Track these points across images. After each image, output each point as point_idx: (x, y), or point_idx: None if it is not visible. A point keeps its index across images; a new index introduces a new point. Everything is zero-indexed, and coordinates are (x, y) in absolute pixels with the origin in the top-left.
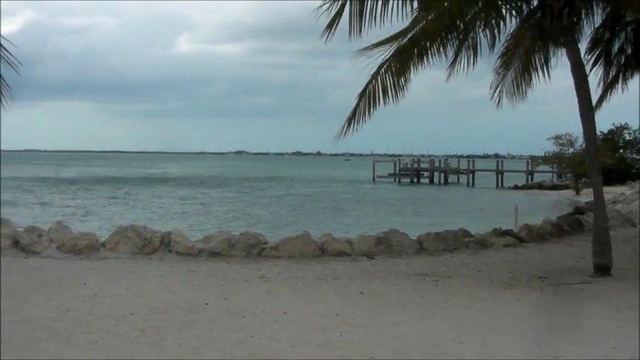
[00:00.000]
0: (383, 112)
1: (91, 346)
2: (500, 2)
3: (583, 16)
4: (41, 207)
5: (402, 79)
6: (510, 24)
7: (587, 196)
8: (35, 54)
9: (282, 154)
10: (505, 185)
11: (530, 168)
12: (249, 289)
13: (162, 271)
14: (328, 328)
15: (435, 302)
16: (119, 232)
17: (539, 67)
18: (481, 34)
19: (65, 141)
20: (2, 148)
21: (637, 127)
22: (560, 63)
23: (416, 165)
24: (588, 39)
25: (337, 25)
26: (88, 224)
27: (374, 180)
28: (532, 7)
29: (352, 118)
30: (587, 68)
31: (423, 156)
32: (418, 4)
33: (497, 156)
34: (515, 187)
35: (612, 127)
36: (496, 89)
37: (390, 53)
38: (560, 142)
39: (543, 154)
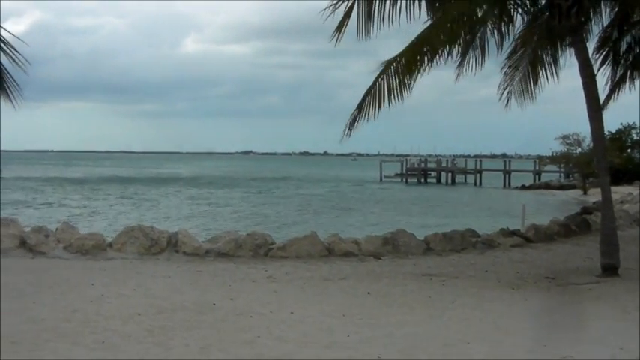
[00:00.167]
0: (390, 112)
1: (98, 346)
2: (508, 2)
3: (591, 15)
4: (48, 207)
5: (408, 79)
6: (518, 24)
7: (594, 196)
8: (42, 54)
9: (289, 154)
10: (512, 185)
11: (537, 168)
12: (256, 290)
13: (169, 272)
14: (335, 328)
15: (442, 302)
16: (126, 233)
17: (547, 68)
18: (489, 34)
19: (72, 141)
20: (9, 148)
21: None
22: (568, 63)
23: (423, 165)
24: (596, 38)
25: (346, 26)
26: (94, 224)
27: (381, 180)
28: (540, 6)
29: (358, 115)
30: (595, 68)
31: (430, 156)
32: (426, 4)
33: (504, 156)
34: (523, 187)
35: (620, 127)
36: (504, 90)
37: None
38: (568, 142)
39: (551, 154)
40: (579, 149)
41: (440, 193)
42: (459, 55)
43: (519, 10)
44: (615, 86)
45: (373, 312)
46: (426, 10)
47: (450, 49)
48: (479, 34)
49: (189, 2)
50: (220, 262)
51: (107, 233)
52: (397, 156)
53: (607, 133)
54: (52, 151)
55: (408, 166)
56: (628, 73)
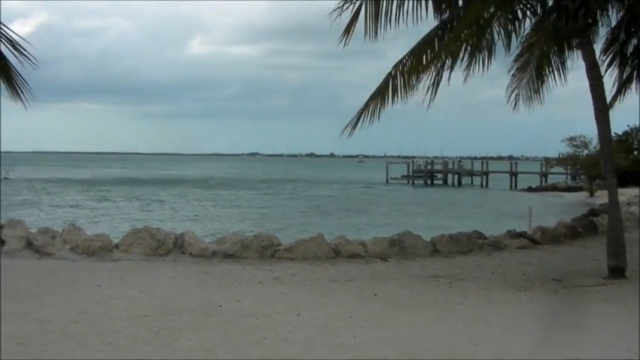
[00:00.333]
0: (396, 113)
1: (104, 348)
2: (515, 3)
3: (598, 17)
4: (54, 208)
5: (414, 79)
6: (525, 26)
7: (601, 197)
8: (49, 55)
9: (295, 155)
10: (519, 187)
11: (544, 170)
12: (262, 291)
13: (175, 273)
14: (342, 330)
15: (449, 304)
16: (132, 234)
17: (554, 69)
18: (496, 35)
19: (79, 142)
20: (16, 149)
21: None
22: (575, 65)
23: (429, 167)
24: (603, 40)
25: (354, 28)
26: (101, 225)
27: (387, 182)
28: (547, 8)
29: (364, 111)
30: (602, 69)
31: (436, 157)
32: (433, 6)
33: (511, 157)
34: (529, 189)
35: (627, 129)
36: (512, 92)
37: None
38: (575, 143)
39: (558, 156)
40: (586, 151)
41: (446, 195)
42: (467, 56)
43: (527, 11)
44: (622, 87)
45: (380, 314)
46: (432, 11)
47: (464, 54)
48: (486, 36)
49: (197, 3)
50: (227, 263)
51: (113, 235)
52: (403, 157)
53: (614, 135)
54: (58, 152)
55: (415, 167)
56: (635, 74)
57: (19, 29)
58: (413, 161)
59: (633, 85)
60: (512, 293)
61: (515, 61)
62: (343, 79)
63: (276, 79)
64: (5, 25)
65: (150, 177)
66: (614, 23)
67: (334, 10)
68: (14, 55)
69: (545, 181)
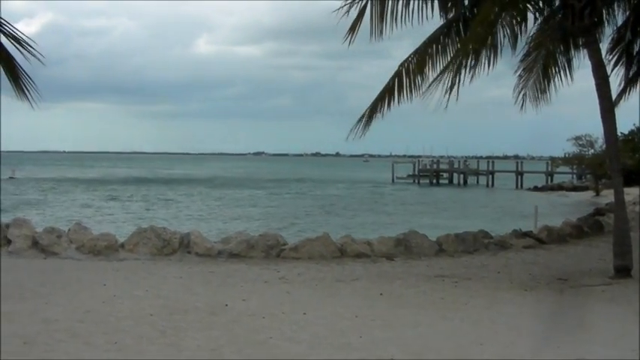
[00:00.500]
0: (402, 112)
1: (110, 347)
2: (521, 2)
3: (604, 16)
4: (60, 207)
5: (420, 79)
6: (531, 25)
7: (607, 197)
8: (55, 55)
9: (301, 155)
10: (525, 186)
11: (550, 169)
12: (268, 291)
13: (181, 272)
14: (348, 329)
15: (455, 304)
16: (138, 233)
17: (560, 69)
18: (502, 34)
19: (85, 142)
20: (22, 148)
21: None
22: (581, 64)
23: (435, 166)
24: (609, 39)
25: (359, 28)
26: (107, 225)
27: (393, 181)
28: (553, 7)
29: (374, 112)
30: (609, 69)
31: (442, 157)
32: (439, 5)
33: (516, 157)
34: (535, 189)
35: (633, 128)
36: (519, 93)
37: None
38: (580, 143)
39: (563, 155)
40: (592, 150)
41: (452, 194)
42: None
43: (533, 10)
44: (627, 86)
45: (386, 313)
46: (438, 10)
47: (478, 53)
48: (492, 35)
49: (201, 2)
50: (232, 263)
51: (119, 234)
52: (409, 157)
53: (620, 134)
54: (64, 152)
55: (420, 167)
56: None
57: (24, 29)
58: (419, 160)
59: (638, 85)
60: (518, 293)
61: (521, 61)
62: (348, 79)
63: (281, 79)
64: (10, 24)
65: (155, 176)
66: (620, 22)
67: (339, 9)
68: (21, 52)
69: (551, 180)
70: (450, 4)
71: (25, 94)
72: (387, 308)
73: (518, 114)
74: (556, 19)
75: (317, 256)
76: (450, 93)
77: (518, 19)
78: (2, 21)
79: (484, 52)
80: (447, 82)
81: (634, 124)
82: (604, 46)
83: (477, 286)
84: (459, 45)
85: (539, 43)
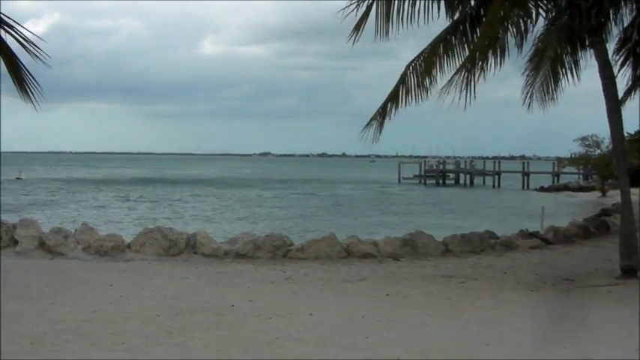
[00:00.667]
0: (408, 113)
1: (117, 348)
2: (528, 2)
3: (611, 16)
4: (67, 208)
5: (428, 81)
6: (538, 25)
7: (613, 197)
8: (61, 56)
9: (307, 155)
10: (531, 187)
11: (556, 169)
12: (274, 291)
13: (187, 273)
14: (354, 329)
15: (461, 304)
16: (145, 234)
17: (567, 69)
18: (509, 34)
19: (91, 142)
20: (28, 149)
21: None
22: (588, 64)
23: (441, 166)
24: (616, 39)
25: (364, 27)
26: (113, 225)
27: (399, 182)
28: (560, 7)
29: (384, 115)
30: (615, 69)
31: (448, 157)
32: (445, 5)
33: (523, 157)
34: (542, 189)
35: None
36: (526, 93)
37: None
38: (587, 143)
39: (570, 156)
40: (598, 150)
41: (458, 195)
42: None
43: (540, 11)
44: (634, 85)
45: (392, 314)
46: (445, 10)
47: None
48: (499, 35)
49: (207, 3)
50: (239, 263)
51: (126, 234)
52: (415, 157)
53: (626, 135)
54: (69, 153)
55: (427, 167)
56: None
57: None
58: (425, 161)
59: None
60: (525, 293)
61: (528, 61)
62: (354, 79)
63: (287, 79)
64: (18, 23)
65: (161, 177)
66: (627, 23)
67: (345, 8)
68: (28, 52)
69: (558, 180)
70: (456, 3)
71: (29, 95)
72: (393, 308)
73: (525, 114)
74: (563, 19)
75: (323, 256)
76: (468, 93)
77: (525, 19)
78: (6, 20)
79: (492, 53)
80: (460, 83)
81: None
82: (611, 47)
83: (484, 287)
84: (466, 46)
85: (546, 43)
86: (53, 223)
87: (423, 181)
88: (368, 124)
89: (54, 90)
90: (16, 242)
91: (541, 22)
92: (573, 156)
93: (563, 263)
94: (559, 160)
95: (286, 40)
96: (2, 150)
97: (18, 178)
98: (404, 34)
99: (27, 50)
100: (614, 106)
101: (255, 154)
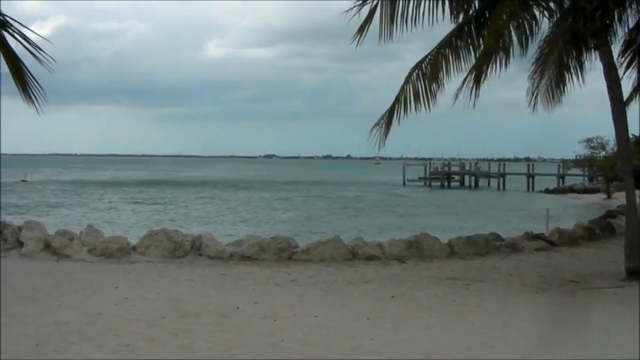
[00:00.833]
0: (413, 115)
1: (122, 349)
2: (533, 4)
3: (616, 18)
4: (72, 210)
5: (436, 86)
6: (543, 27)
7: (618, 199)
8: (67, 58)
9: (312, 157)
10: (536, 189)
11: (561, 171)
12: (279, 293)
13: (193, 275)
14: (359, 331)
15: (467, 306)
16: (150, 236)
17: (572, 72)
18: (514, 36)
19: (96, 144)
20: (33, 151)
21: None
22: (593, 66)
23: (446, 169)
24: (621, 41)
25: (368, 29)
26: (119, 227)
27: (404, 184)
28: (564, 9)
29: (390, 120)
30: (621, 72)
31: (453, 159)
32: (450, 6)
33: (528, 159)
34: (547, 191)
35: None
36: (531, 95)
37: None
38: (592, 145)
39: (575, 158)
40: (603, 152)
41: (463, 197)
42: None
43: (545, 12)
44: (639, 87)
45: (397, 316)
46: (449, 12)
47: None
48: (504, 37)
49: (212, 5)
50: (244, 265)
51: (131, 236)
52: (420, 159)
53: (631, 136)
54: (75, 155)
55: (432, 169)
56: None
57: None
58: (430, 163)
59: None
60: (530, 295)
61: (533, 63)
62: (359, 81)
63: (292, 81)
64: (24, 25)
65: (166, 179)
66: (632, 25)
67: (349, 10)
68: (33, 55)
69: (563, 182)
70: (461, 3)
71: (32, 98)
72: (398, 311)
73: (530, 116)
74: (568, 21)
75: (328, 258)
76: (477, 93)
77: (530, 20)
78: (10, 22)
79: (497, 54)
80: (468, 84)
81: None
82: (616, 49)
83: (489, 289)
84: (471, 48)
85: (551, 45)
86: (59, 225)
87: (427, 184)
88: (374, 128)
89: (60, 92)
90: (21, 244)
91: (546, 25)
92: (578, 158)
93: (568, 265)
94: (564, 162)
95: (291, 42)
96: (8, 152)
97: (24, 181)
98: (409, 36)
99: (31, 53)
100: (619, 108)
101: (260, 156)
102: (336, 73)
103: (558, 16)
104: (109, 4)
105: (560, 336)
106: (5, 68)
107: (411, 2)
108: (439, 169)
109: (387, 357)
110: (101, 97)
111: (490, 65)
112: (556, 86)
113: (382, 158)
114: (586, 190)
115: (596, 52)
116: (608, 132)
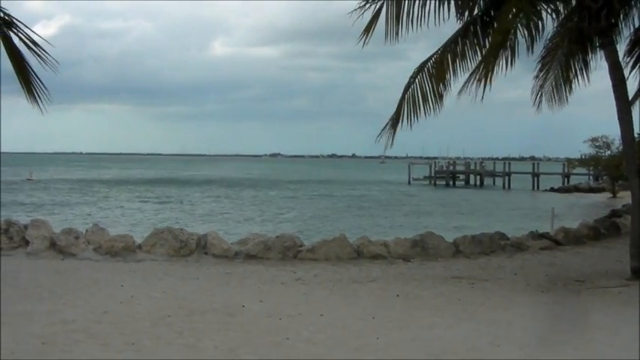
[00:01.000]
0: (422, 118)
1: (128, 348)
2: (538, 3)
3: (621, 17)
4: (78, 209)
5: (443, 87)
6: (548, 26)
7: (624, 199)
8: (72, 57)
9: (317, 156)
10: (541, 188)
11: (566, 170)
12: (285, 292)
13: (198, 274)
14: (365, 330)
15: (472, 305)
16: (155, 234)
17: (578, 71)
18: (519, 35)
19: (101, 143)
20: (38, 150)
21: None
22: (598, 65)
23: (451, 167)
24: (627, 41)
25: (374, 29)
26: (124, 226)
27: (409, 183)
28: (570, 8)
29: (396, 122)
30: (626, 71)
31: (458, 158)
32: (455, 6)
33: (533, 158)
34: (552, 190)
35: None
36: (536, 94)
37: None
38: (597, 144)
39: (580, 157)
40: (608, 151)
41: (468, 196)
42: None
43: (550, 11)
44: None
45: (402, 315)
46: (455, 12)
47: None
48: (510, 35)
49: (218, 4)
50: (249, 264)
51: (137, 235)
52: (425, 158)
53: (637, 136)
54: (80, 153)
55: (437, 168)
56: None
57: (42, 31)
58: (435, 162)
59: None
60: (535, 294)
61: (538, 62)
62: (365, 81)
63: (298, 81)
64: (27, 26)
65: (172, 177)
66: (637, 24)
67: (355, 10)
68: (38, 55)
69: (568, 181)
70: (467, 1)
71: (36, 98)
72: (403, 309)
73: (535, 115)
74: (573, 20)
75: (333, 257)
76: (485, 88)
77: (536, 19)
78: (14, 22)
79: (503, 53)
80: (476, 81)
81: None
82: (621, 48)
83: (494, 288)
84: (477, 48)
85: (557, 44)
86: (64, 224)
87: (433, 182)
88: (382, 132)
89: (65, 91)
90: (27, 243)
91: (551, 24)
92: (583, 157)
93: (573, 264)
94: (569, 161)
95: (296, 41)
96: (14, 151)
97: (29, 179)
98: (414, 36)
99: (35, 53)
100: (624, 107)
101: (265, 155)
102: (340, 72)
103: (564, 15)
104: (115, 3)
105: (565, 335)
106: (8, 67)
107: (417, 2)
108: (444, 168)
109: (392, 356)
110: (106, 95)
111: (497, 63)
112: (561, 85)
113: (387, 157)
114: (591, 190)
115: (602, 52)
116: (613, 131)
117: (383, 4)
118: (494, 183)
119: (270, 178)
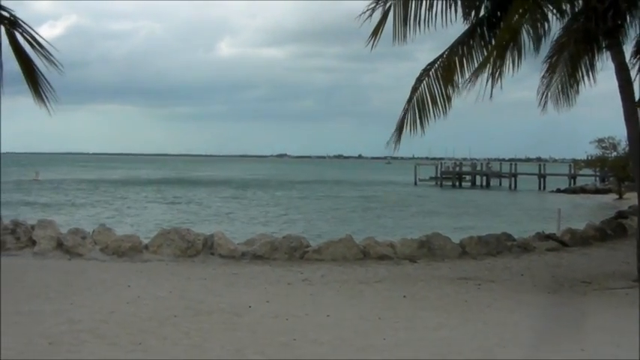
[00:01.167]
0: (431, 121)
1: (134, 348)
2: (544, 4)
3: (628, 18)
4: (84, 209)
5: (451, 89)
6: (554, 27)
7: (630, 200)
8: (79, 57)
9: (323, 157)
10: (547, 189)
11: (572, 171)
12: (291, 292)
13: (205, 274)
14: (371, 331)
15: (478, 306)
16: (162, 235)
17: (584, 72)
18: (526, 36)
19: (108, 143)
20: (46, 150)
21: None
22: (605, 66)
23: (458, 168)
24: (634, 42)
25: (382, 31)
26: (131, 226)
27: (416, 183)
28: (576, 9)
29: (402, 125)
30: (633, 72)
31: (464, 159)
32: (462, 8)
33: (539, 159)
34: (558, 191)
35: None
36: (542, 95)
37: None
38: (603, 145)
39: (586, 158)
40: (615, 153)
41: (474, 197)
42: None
43: (556, 12)
44: None
45: (409, 315)
46: (462, 13)
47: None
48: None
49: (225, 5)
50: (256, 264)
51: (143, 235)
52: (432, 159)
53: None
54: (88, 154)
55: (443, 169)
56: None
57: (49, 31)
58: (441, 163)
59: None
60: (542, 295)
61: (545, 63)
62: (371, 81)
63: (304, 81)
64: (32, 28)
65: (179, 178)
66: None
67: (363, 13)
68: (44, 56)
69: (574, 183)
70: (474, 2)
71: (43, 98)
72: (410, 310)
73: (541, 116)
74: (579, 21)
75: (340, 258)
76: (494, 85)
77: (542, 20)
78: (21, 24)
79: (509, 53)
80: (480, 82)
81: None
82: (628, 50)
83: (500, 289)
84: (485, 50)
85: (563, 45)
86: (71, 224)
87: (439, 183)
88: (392, 136)
89: (73, 91)
90: (34, 243)
91: (558, 25)
92: (590, 158)
93: (579, 265)
94: (575, 162)
95: (303, 42)
96: (20, 151)
97: (35, 180)
98: (421, 37)
99: (40, 54)
100: (630, 108)
101: (271, 155)
102: (347, 73)
103: (570, 16)
104: (122, 4)
105: (571, 336)
106: (16, 67)
107: (424, 4)
108: (450, 169)
109: (398, 356)
110: (114, 96)
111: (504, 64)
112: (568, 86)
113: (393, 158)
114: (597, 191)
115: (608, 53)
116: (619, 132)
117: (390, 6)
118: (500, 184)
119: (277, 179)
